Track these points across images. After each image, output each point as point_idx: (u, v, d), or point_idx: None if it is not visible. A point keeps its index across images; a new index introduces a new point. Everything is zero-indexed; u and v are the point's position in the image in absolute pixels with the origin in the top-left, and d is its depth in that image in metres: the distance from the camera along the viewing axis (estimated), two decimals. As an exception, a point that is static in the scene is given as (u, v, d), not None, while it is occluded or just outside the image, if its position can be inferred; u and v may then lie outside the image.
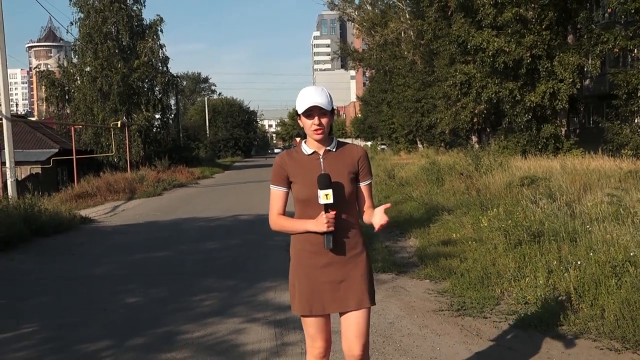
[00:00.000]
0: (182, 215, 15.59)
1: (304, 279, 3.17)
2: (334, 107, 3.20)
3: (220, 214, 15.57)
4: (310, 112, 3.11)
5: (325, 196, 3.01)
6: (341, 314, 3.20)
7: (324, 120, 3.13)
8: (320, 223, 3.06)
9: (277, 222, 3.24)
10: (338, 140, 3.28)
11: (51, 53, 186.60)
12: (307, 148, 3.23)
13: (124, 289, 7.48)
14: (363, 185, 3.27)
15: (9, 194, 17.31)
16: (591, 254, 6.49)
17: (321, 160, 3.19)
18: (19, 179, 21.79)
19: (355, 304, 3.15)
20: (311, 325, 3.20)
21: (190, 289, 7.34)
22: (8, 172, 19.27)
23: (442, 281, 7.24)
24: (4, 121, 19.27)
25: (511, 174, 14.57)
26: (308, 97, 3.10)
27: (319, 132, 3.12)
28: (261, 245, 10.40)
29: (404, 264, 8.38)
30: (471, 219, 10.13)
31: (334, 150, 3.22)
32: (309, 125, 3.13)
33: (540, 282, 6.23)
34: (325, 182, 3.03)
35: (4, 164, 20.42)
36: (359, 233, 3.23)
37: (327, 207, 3.04)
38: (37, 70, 44.35)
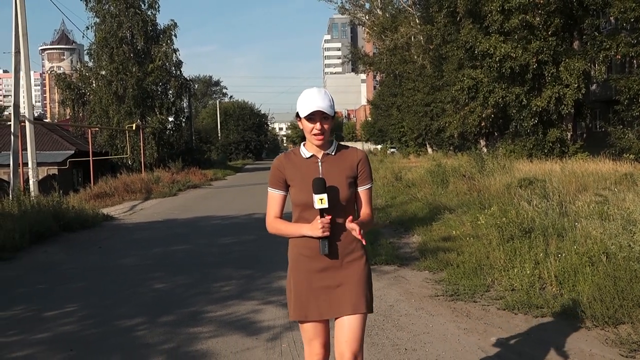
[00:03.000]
0: (198, 214, 16.35)
1: (301, 284, 3.15)
2: (336, 111, 3.14)
3: (234, 213, 16.31)
4: (312, 116, 3.04)
5: (320, 201, 2.98)
6: (336, 318, 3.17)
7: (326, 126, 3.07)
8: (315, 228, 3.02)
9: (274, 225, 3.23)
10: (338, 144, 3.24)
11: (64, 56, 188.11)
12: (305, 151, 3.17)
13: (150, 277, 8.25)
14: (361, 189, 3.20)
15: (31, 192, 18.08)
16: (575, 247, 7.20)
17: (319, 164, 3.14)
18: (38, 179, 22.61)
19: (350, 309, 3.11)
20: (308, 331, 3.17)
21: (211, 277, 8.09)
22: (30, 172, 20.14)
23: (440, 272, 7.93)
24: (27, 124, 20.12)
25: (512, 176, 15.24)
26: (311, 101, 3.03)
27: (320, 137, 3.08)
28: (274, 240, 10.96)
29: (406, 257, 9.07)
30: (470, 217, 10.80)
31: (332, 153, 3.17)
32: (309, 129, 3.07)
33: (527, 272, 6.90)
34: (319, 186, 2.99)
35: (25, 164, 21.32)
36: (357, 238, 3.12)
37: (322, 212, 3.01)
38: (54, 73, 45.28)
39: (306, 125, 3.08)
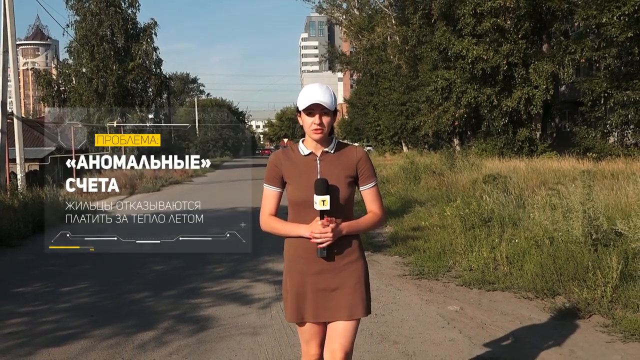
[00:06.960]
0: (184, 208, 17.13)
1: (297, 286, 3.08)
2: (337, 108, 3.06)
3: (218, 206, 17.15)
4: (312, 110, 2.98)
5: (322, 202, 2.90)
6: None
7: (325, 120, 2.99)
8: (314, 231, 2.96)
9: (268, 223, 3.12)
10: (338, 141, 3.14)
11: (39, 51, 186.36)
12: (304, 148, 3.09)
13: (149, 261, 9.19)
14: (365, 189, 3.12)
15: (19, 187, 18.75)
16: (526, 233, 8.23)
17: (318, 162, 3.06)
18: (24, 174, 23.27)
19: (346, 314, 3.06)
20: (305, 332, 3.14)
21: (204, 260, 9.05)
22: (18, 168, 20.86)
23: (408, 256, 8.91)
24: (15, 120, 20.84)
25: (479, 172, 16.32)
26: (311, 94, 2.97)
27: (319, 131, 2.99)
28: (258, 230, 12.00)
29: (379, 245, 10.05)
30: (438, 209, 11.80)
31: (332, 151, 3.08)
32: (308, 123, 3.00)
33: (484, 255, 7.91)
34: (322, 187, 2.91)
35: (11, 160, 21.97)
36: (355, 239, 3.11)
37: (322, 213, 2.93)
38: (34, 70, 45.64)
39: (305, 120, 3.03)
